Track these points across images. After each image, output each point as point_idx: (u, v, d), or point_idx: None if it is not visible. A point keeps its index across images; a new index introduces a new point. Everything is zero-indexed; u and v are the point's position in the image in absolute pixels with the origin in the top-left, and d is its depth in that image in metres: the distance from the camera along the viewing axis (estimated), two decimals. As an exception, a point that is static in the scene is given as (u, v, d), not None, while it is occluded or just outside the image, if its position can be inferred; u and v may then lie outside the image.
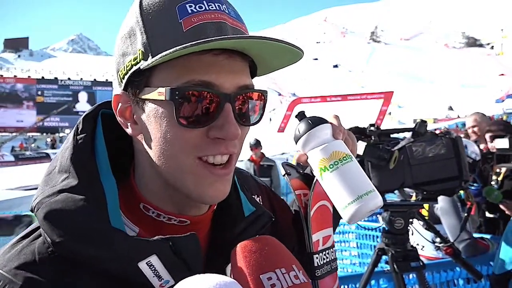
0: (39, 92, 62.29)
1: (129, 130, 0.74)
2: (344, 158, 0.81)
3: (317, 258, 0.92)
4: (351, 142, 0.93)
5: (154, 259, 0.65)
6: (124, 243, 0.65)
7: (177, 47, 0.62)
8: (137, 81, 0.70)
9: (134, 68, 0.69)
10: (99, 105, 0.80)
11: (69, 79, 65.54)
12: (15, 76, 68.78)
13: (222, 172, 0.71)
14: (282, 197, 1.15)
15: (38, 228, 0.70)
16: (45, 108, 60.20)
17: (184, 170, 0.70)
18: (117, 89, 0.75)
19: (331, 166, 0.80)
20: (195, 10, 0.67)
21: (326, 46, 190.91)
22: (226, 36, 0.64)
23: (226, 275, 0.75)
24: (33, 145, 47.78)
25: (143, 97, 0.70)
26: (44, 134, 58.71)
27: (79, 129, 0.75)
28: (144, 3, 0.70)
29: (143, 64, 0.67)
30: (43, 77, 66.61)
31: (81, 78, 67.36)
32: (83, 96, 63.07)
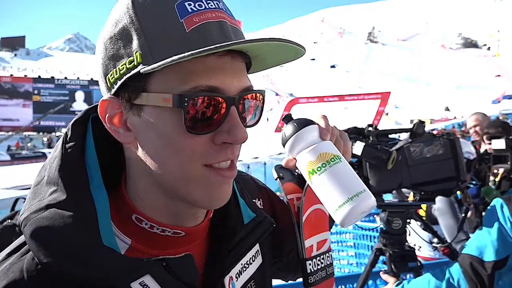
0: (36, 91, 62.09)
1: (121, 138, 0.68)
2: (332, 160, 0.78)
3: (310, 264, 0.90)
4: (342, 143, 0.90)
5: (147, 279, 0.63)
6: (116, 262, 0.62)
7: (188, 53, 0.58)
8: (134, 86, 0.65)
9: (133, 72, 0.63)
10: (88, 109, 0.75)
11: (65, 78, 65.17)
12: (11, 75, 68.39)
13: (230, 174, 0.69)
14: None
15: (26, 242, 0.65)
16: (42, 107, 60.06)
17: (191, 178, 0.67)
18: (104, 94, 0.70)
19: (319, 169, 0.78)
20: (195, 9, 0.64)
21: (324, 47, 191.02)
22: (239, 41, 0.62)
23: (224, 285, 0.75)
24: (29, 144, 47.59)
25: (140, 103, 0.65)
26: (41, 133, 58.49)
27: (68, 136, 0.70)
28: (137, 0, 0.65)
29: (144, 68, 0.62)
30: (39, 76, 66.17)
31: (78, 77, 66.77)
32: (80, 95, 62.91)
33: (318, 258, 0.92)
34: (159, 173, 0.67)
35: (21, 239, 0.67)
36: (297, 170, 0.97)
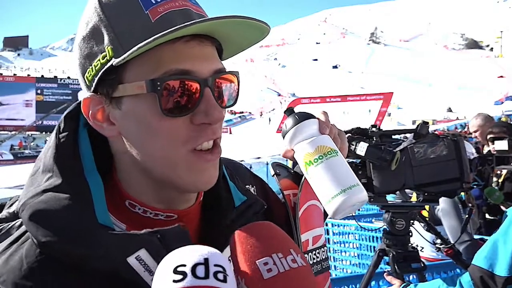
0: (39, 91, 62.26)
1: (106, 132, 0.72)
2: (329, 153, 0.81)
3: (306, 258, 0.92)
4: (339, 140, 0.93)
5: (143, 253, 0.64)
6: (112, 238, 0.64)
7: (151, 38, 0.62)
8: (110, 80, 0.69)
9: (106, 66, 0.68)
10: (80, 102, 0.77)
11: (68, 78, 65.22)
12: (14, 74, 68.70)
13: (213, 157, 0.72)
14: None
15: (26, 231, 0.67)
16: (45, 106, 60.21)
17: (176, 161, 0.69)
18: (85, 93, 0.74)
19: (315, 160, 0.81)
20: (159, 0, 0.68)
21: (326, 47, 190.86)
22: (194, 21, 0.64)
23: None
24: (32, 143, 47.92)
25: (118, 95, 0.69)
26: (44, 133, 58.66)
27: (61, 127, 0.74)
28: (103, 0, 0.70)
29: (115, 61, 0.66)
30: (42, 76, 66.52)
31: (81, 77, 66.86)
32: (82, 95, 63.00)
33: (314, 252, 0.94)
34: (146, 162, 0.71)
35: (21, 230, 0.69)
36: (293, 169, 0.99)
